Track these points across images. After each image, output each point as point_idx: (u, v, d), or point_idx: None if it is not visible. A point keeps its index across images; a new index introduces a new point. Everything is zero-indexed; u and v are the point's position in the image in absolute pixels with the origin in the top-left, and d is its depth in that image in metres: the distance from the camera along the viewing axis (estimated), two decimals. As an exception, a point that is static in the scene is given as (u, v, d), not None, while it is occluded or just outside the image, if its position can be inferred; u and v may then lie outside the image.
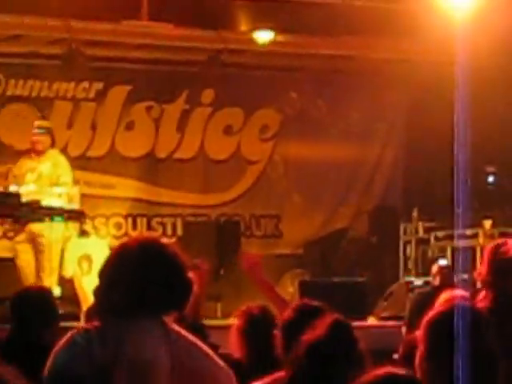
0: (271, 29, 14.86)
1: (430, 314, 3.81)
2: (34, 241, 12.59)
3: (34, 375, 3.87)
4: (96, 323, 4.31)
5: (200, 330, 5.16)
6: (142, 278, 4.28)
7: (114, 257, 4.41)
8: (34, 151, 12.60)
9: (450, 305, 3.83)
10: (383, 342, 6.72)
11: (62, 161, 12.82)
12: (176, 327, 4.41)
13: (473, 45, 11.56)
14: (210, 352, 4.49)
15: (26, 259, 12.72)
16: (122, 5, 14.54)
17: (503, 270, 6.37)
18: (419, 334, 3.78)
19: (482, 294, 6.45)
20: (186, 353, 4.26)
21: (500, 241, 6.70)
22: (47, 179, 12.52)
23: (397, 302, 11.76)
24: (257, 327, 4.42)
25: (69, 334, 4.23)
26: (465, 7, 12.47)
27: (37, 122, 13.05)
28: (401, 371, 3.26)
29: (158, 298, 4.30)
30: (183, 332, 4.41)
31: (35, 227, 12.58)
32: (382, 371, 3.22)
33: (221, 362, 4.50)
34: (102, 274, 4.38)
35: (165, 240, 4.72)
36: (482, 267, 6.57)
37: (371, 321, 11.60)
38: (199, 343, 4.39)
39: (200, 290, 5.31)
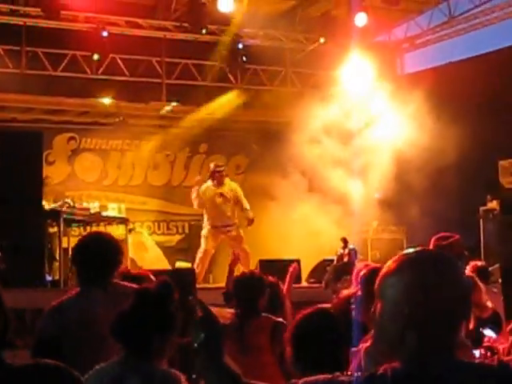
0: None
1: (363, 272, 4.00)
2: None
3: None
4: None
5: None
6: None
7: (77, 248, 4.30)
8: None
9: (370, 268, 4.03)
10: (310, 297, 6.85)
11: None
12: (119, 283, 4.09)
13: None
14: None
15: None
16: (149, 91, 14.33)
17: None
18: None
19: None
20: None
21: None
22: None
23: (319, 273, 10.98)
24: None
25: None
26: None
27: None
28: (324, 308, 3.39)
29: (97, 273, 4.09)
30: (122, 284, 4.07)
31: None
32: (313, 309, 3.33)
33: None
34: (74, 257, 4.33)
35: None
36: None
37: (304, 284, 11.06)
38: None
39: None
